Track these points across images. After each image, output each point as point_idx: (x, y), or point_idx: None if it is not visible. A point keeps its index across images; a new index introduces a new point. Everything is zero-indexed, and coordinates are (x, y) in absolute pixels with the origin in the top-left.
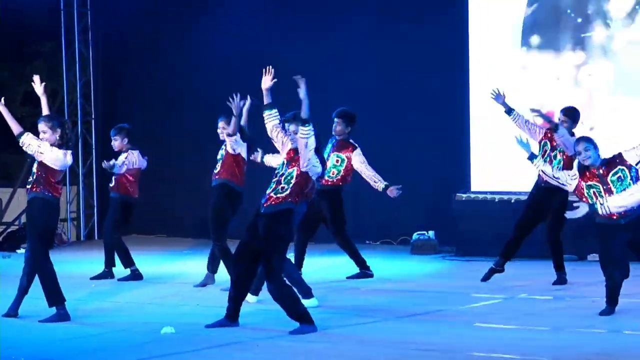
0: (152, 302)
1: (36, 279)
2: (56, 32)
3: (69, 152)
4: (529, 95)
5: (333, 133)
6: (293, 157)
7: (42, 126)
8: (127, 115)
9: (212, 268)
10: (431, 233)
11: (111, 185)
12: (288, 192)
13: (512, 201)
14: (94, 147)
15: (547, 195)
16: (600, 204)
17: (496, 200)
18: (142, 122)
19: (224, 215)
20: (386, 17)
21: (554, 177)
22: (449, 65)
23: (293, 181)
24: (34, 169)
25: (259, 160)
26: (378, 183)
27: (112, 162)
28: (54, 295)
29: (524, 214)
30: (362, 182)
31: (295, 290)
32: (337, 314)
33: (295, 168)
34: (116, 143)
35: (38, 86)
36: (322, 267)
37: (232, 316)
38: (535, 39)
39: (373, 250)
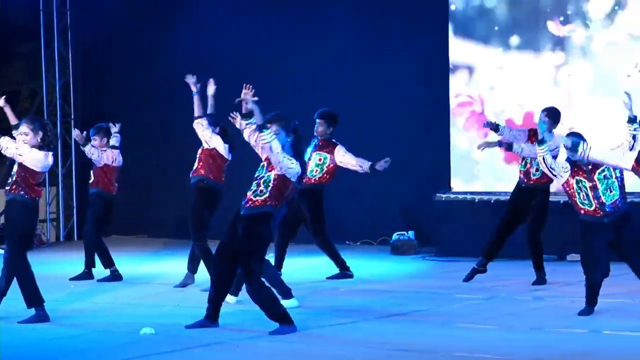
0: (132, 302)
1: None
2: (36, 33)
3: (50, 153)
4: (508, 96)
5: (315, 134)
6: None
7: (23, 128)
8: (106, 115)
9: (192, 268)
10: (411, 233)
11: (90, 181)
12: (267, 195)
13: (492, 202)
14: (73, 148)
15: (527, 196)
16: (585, 199)
17: (476, 200)
18: (121, 122)
19: (203, 215)
20: (367, 18)
21: (550, 167)
22: (429, 65)
23: (271, 184)
24: (14, 171)
25: None
26: (364, 165)
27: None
28: (33, 297)
29: (505, 214)
30: (342, 182)
31: (275, 291)
32: (317, 315)
33: (273, 171)
34: (95, 142)
35: None
36: (302, 267)
37: (212, 317)
38: (514, 40)
39: (353, 250)
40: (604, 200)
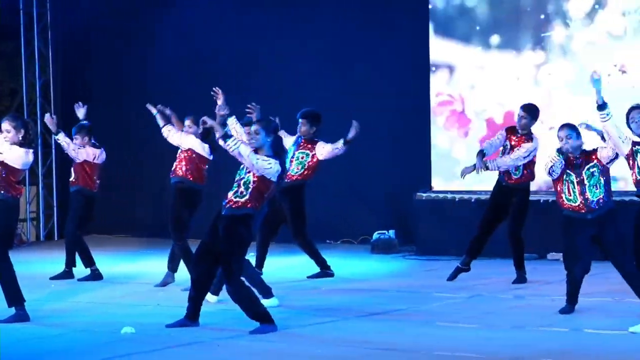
0: (112, 302)
1: None
2: (16, 32)
3: (31, 150)
4: (489, 95)
5: (298, 133)
6: None
7: (5, 125)
8: (87, 114)
9: (172, 267)
10: (391, 232)
11: (71, 179)
12: (247, 197)
13: (473, 200)
14: (53, 147)
15: (508, 194)
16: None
17: (456, 199)
18: (101, 121)
19: (183, 215)
20: (347, 16)
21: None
22: (409, 64)
23: (251, 186)
24: None
25: None
26: (339, 144)
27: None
28: (13, 296)
29: (486, 212)
30: (323, 181)
31: (255, 290)
32: (298, 314)
33: (252, 173)
34: (77, 141)
35: None
36: (283, 266)
37: (192, 316)
38: (495, 39)
39: (333, 249)
40: (589, 197)
